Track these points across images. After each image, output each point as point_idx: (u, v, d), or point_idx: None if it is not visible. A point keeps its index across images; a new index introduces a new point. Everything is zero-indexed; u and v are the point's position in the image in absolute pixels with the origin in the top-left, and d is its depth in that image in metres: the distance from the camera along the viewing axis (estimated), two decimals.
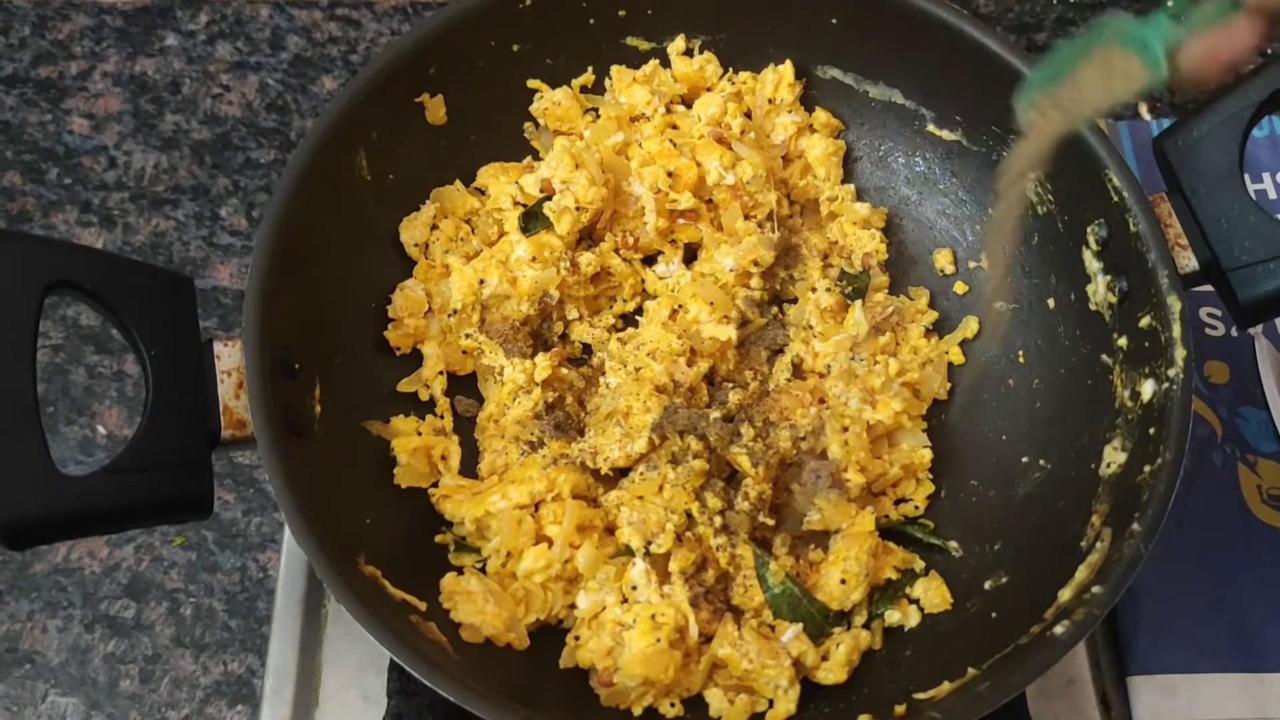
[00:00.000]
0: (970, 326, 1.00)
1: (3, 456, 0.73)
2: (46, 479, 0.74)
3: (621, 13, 1.01)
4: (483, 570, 0.89)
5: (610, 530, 0.90)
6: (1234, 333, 1.08)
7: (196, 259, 1.17)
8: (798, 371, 0.97)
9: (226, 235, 1.18)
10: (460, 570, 0.89)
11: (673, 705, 0.84)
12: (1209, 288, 0.89)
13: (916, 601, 0.91)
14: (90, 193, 1.19)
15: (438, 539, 0.91)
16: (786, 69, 1.03)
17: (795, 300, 1.02)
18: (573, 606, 0.88)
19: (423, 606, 0.85)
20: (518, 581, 0.88)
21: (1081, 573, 0.82)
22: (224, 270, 1.16)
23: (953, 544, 0.93)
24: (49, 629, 1.02)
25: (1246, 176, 0.87)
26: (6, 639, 1.01)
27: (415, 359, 0.97)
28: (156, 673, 1.00)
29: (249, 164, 1.21)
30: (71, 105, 1.23)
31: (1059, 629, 0.78)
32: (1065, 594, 0.82)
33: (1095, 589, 0.79)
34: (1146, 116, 1.24)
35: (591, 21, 1.01)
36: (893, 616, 0.90)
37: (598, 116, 1.04)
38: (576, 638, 0.86)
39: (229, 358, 0.82)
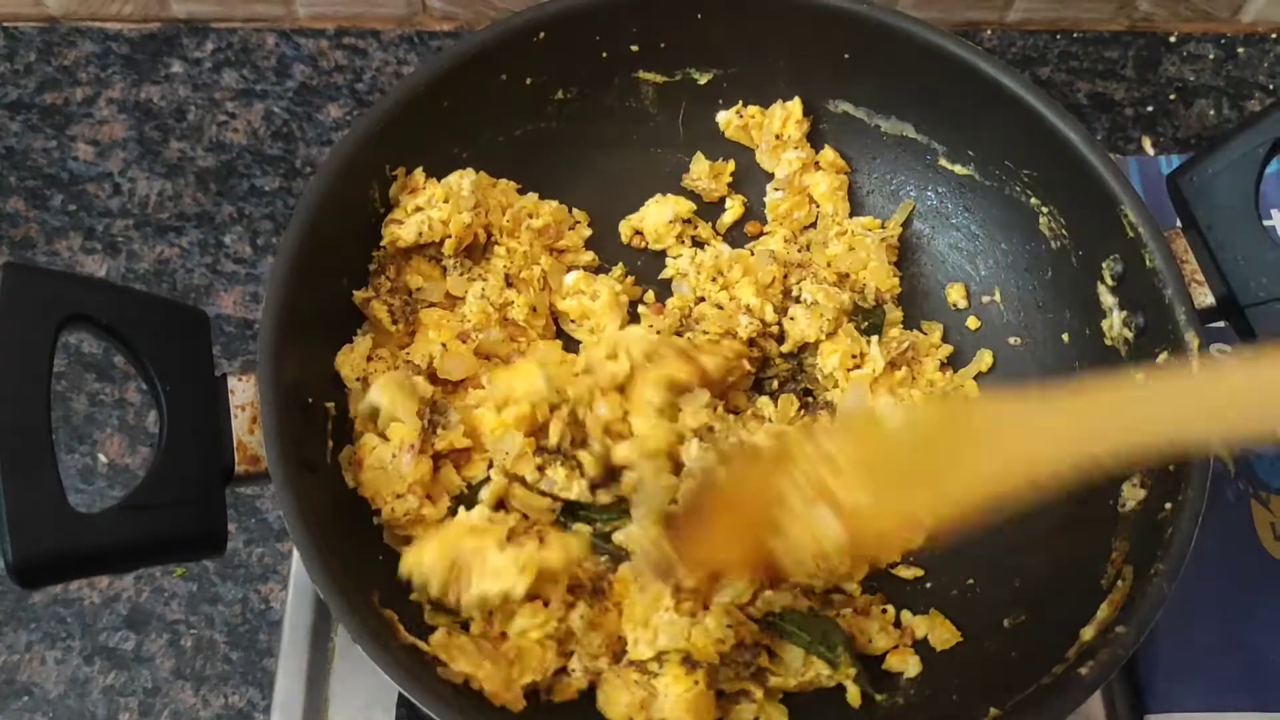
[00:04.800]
0: (984, 360, 1.00)
1: (17, 494, 0.72)
2: (60, 517, 0.73)
3: (634, 47, 1.01)
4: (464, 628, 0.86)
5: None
6: None
7: (200, 286, 1.16)
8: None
9: (230, 263, 1.17)
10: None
11: None
12: (1220, 323, 0.89)
13: (925, 640, 0.90)
14: (94, 219, 1.19)
15: (412, 597, 0.86)
16: (795, 106, 1.03)
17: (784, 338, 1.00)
18: (563, 670, 0.86)
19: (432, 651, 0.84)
20: (509, 640, 0.85)
21: (1103, 611, 0.82)
22: (228, 298, 1.16)
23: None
24: (48, 660, 1.00)
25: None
26: (4, 670, 1.00)
27: None
28: (156, 705, 0.99)
29: (254, 191, 1.21)
30: (76, 131, 1.23)
31: (1083, 669, 0.77)
32: (1087, 633, 0.81)
33: (1119, 629, 0.78)
34: (1150, 151, 1.25)
35: (604, 55, 1.01)
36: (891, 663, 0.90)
37: None
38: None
39: (243, 393, 0.81)
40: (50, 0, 1.27)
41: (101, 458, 1.08)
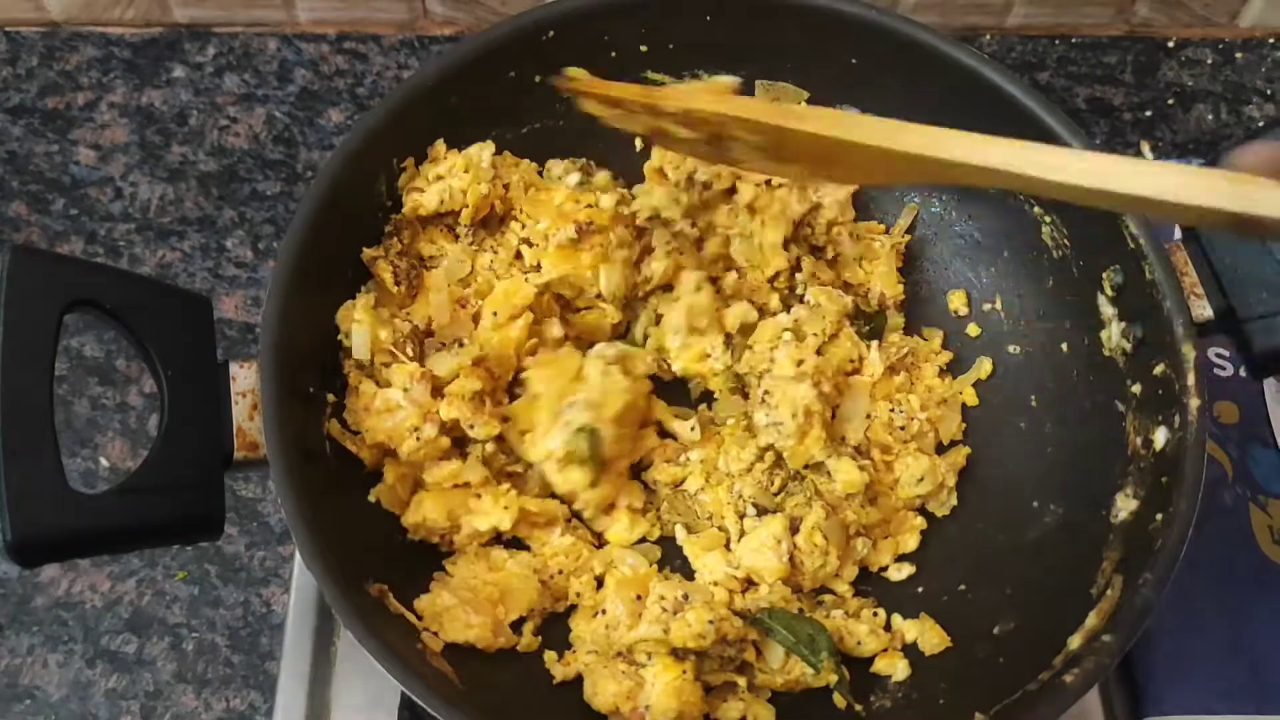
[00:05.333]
0: (984, 367, 1.00)
1: (18, 472, 0.72)
2: (60, 496, 0.74)
3: (643, 48, 1.01)
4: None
5: None
6: (1243, 372, 1.09)
7: (202, 290, 1.16)
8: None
9: (232, 267, 1.18)
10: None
11: None
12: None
13: (914, 644, 0.91)
14: (96, 223, 1.19)
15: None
16: None
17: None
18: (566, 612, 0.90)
19: (422, 624, 0.86)
20: (491, 578, 0.89)
21: (1091, 620, 0.82)
22: (229, 302, 1.16)
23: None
24: (49, 664, 1.01)
25: None
26: (6, 674, 1.00)
27: None
28: (158, 709, 1.00)
29: (255, 196, 1.21)
30: (78, 136, 1.23)
31: (1068, 677, 0.78)
32: (1075, 641, 0.82)
33: (1105, 637, 0.79)
34: (1149, 156, 1.26)
35: (613, 54, 1.00)
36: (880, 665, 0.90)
37: None
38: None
39: (244, 379, 0.82)
40: (52, 5, 1.27)
41: (103, 461, 1.08)
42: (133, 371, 1.12)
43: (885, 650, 0.90)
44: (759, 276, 0.99)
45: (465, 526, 0.89)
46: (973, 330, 1.02)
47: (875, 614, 0.92)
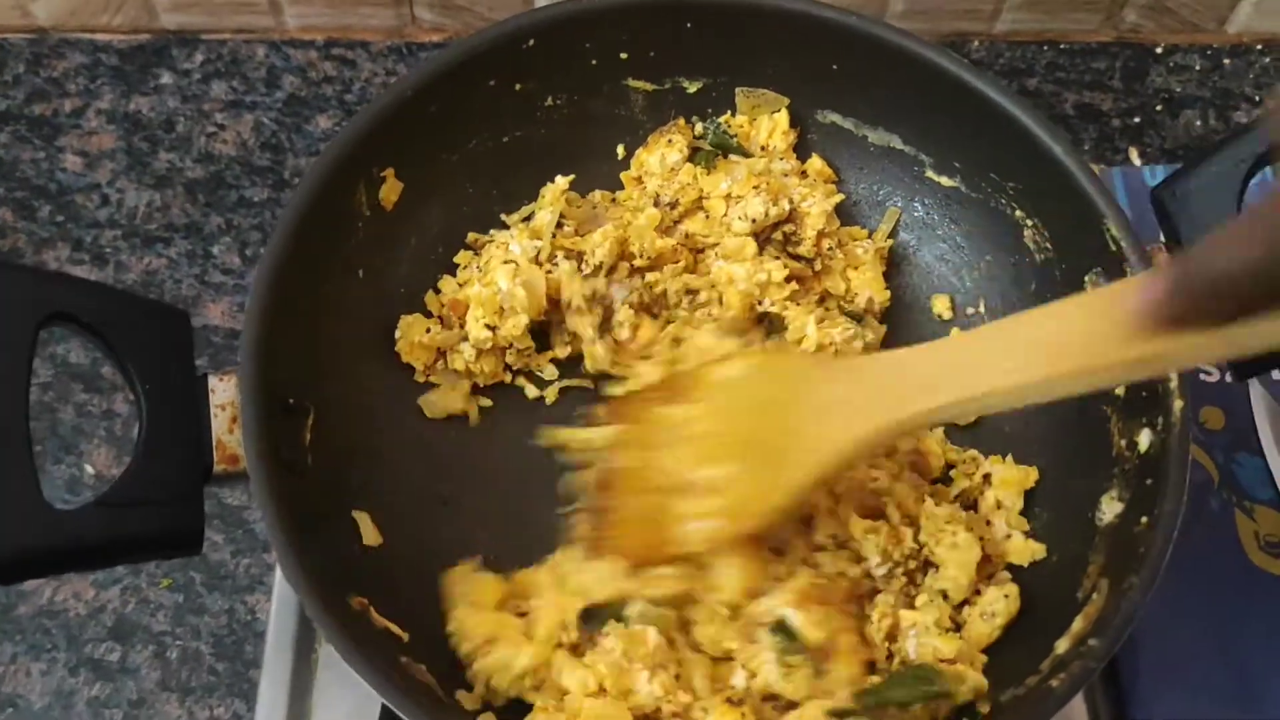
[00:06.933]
0: None
1: None
2: (37, 512, 0.73)
3: (624, 55, 1.01)
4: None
5: None
6: (1228, 378, 1.09)
7: (188, 297, 1.16)
8: None
9: (219, 274, 1.18)
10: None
11: None
12: None
13: None
14: (82, 230, 1.19)
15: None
16: (781, 118, 1.03)
17: None
18: None
19: (405, 638, 0.84)
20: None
21: (1078, 624, 0.82)
22: (215, 309, 1.16)
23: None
24: (32, 672, 1.00)
25: None
26: None
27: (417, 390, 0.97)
28: (141, 717, 0.99)
29: (242, 202, 1.21)
30: (65, 142, 1.23)
31: (1055, 681, 0.77)
32: (1061, 645, 0.81)
33: (1092, 641, 0.78)
34: (1137, 162, 1.25)
35: (594, 62, 1.01)
36: None
37: None
38: None
39: (223, 392, 0.82)
40: (39, 11, 1.27)
41: (88, 468, 1.08)
42: (118, 379, 1.11)
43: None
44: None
45: (494, 652, 0.83)
46: (957, 335, 1.02)
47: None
